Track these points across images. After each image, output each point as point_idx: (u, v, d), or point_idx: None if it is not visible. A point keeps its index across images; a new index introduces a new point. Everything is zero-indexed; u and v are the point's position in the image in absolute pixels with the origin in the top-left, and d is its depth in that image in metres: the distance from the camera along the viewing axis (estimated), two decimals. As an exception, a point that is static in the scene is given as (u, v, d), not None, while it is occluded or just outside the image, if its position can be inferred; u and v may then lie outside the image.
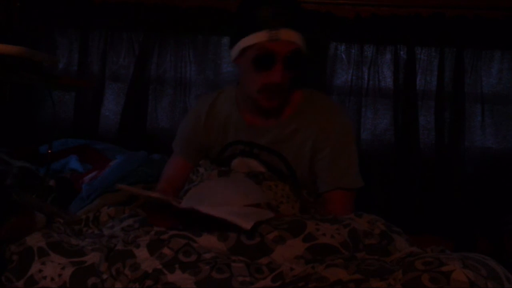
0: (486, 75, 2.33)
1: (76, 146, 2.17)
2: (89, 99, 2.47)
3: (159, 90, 2.46)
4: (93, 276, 1.07)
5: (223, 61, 2.44)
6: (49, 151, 1.75)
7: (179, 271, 1.05)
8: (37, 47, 2.39)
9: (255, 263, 1.09)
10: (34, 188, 1.55)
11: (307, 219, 1.22)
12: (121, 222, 1.35)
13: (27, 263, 1.08)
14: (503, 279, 0.98)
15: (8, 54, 1.70)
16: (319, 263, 1.07)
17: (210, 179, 1.50)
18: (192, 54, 2.43)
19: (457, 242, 2.12)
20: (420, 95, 2.33)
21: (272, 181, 1.47)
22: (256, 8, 1.38)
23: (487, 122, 2.34)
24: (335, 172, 1.48)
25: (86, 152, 2.13)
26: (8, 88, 2.41)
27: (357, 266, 1.03)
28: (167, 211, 1.25)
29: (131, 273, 1.07)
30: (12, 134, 2.36)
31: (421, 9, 2.28)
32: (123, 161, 1.89)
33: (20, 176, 1.53)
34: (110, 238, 1.24)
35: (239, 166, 1.53)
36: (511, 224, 2.10)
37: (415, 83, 2.31)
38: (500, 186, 2.26)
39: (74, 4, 2.42)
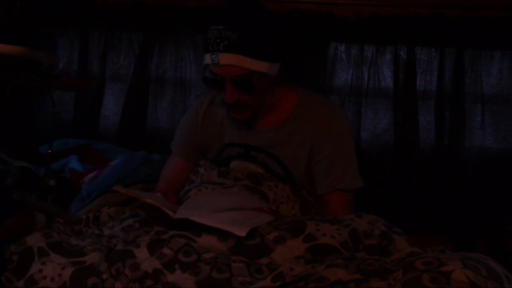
0: (486, 75, 2.32)
1: (76, 146, 2.17)
2: (89, 99, 2.47)
3: (159, 90, 2.46)
4: (93, 276, 1.07)
5: (223, 61, 2.44)
6: (49, 151, 1.75)
7: (179, 271, 1.06)
8: (37, 47, 2.39)
9: (255, 263, 1.09)
10: (34, 188, 1.54)
11: (307, 220, 1.22)
12: (121, 222, 1.35)
13: (27, 263, 1.09)
14: (503, 279, 0.99)
15: (8, 54, 1.70)
16: (319, 263, 1.07)
17: (210, 179, 1.50)
18: (192, 54, 2.43)
19: (457, 242, 2.11)
20: (420, 95, 2.33)
21: (272, 182, 1.46)
22: (210, 27, 1.35)
23: (487, 122, 2.34)
24: (334, 174, 1.46)
25: (86, 152, 2.13)
26: (8, 88, 2.41)
27: (357, 266, 1.03)
28: (165, 214, 1.24)
29: (131, 273, 1.07)
30: (12, 134, 2.36)
31: (421, 9, 2.27)
32: (123, 161, 1.89)
33: (20, 176, 1.53)
34: (110, 238, 1.25)
35: (237, 167, 1.53)
36: (511, 224, 2.10)
37: (415, 83, 2.31)
38: (500, 186, 2.26)
39: (74, 4, 2.42)
